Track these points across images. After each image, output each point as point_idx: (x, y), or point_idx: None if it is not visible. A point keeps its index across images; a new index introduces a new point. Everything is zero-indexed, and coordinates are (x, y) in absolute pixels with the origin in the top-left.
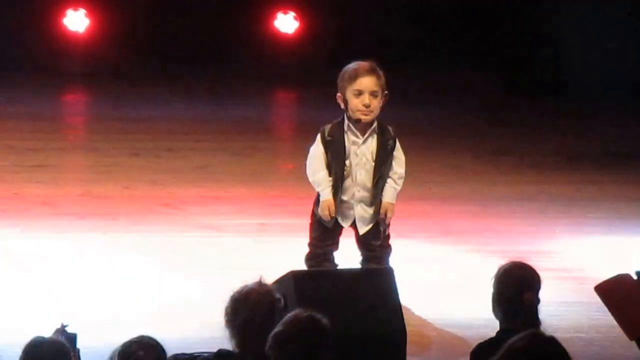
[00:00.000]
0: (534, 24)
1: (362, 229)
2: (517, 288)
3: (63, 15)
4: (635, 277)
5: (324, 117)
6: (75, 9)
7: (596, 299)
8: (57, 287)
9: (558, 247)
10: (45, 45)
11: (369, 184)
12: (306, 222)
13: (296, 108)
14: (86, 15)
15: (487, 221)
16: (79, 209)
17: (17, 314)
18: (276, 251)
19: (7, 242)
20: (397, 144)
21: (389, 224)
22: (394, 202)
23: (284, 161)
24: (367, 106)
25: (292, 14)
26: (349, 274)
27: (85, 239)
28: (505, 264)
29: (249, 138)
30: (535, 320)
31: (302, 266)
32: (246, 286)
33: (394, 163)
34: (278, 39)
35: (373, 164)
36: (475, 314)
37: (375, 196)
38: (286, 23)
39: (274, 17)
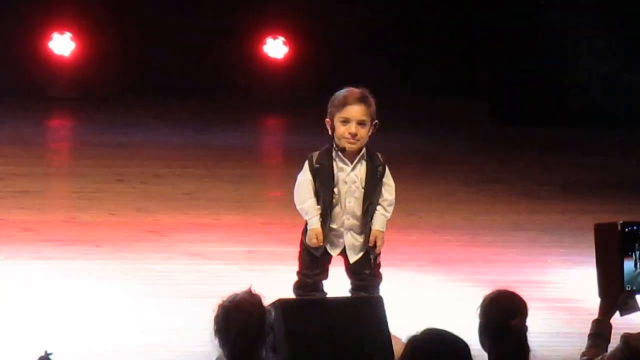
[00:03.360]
0: (525, 55)
1: (353, 258)
2: (504, 316)
3: (49, 38)
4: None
5: (313, 143)
6: (61, 33)
7: (588, 329)
8: (39, 314)
9: (550, 277)
10: (31, 69)
11: (358, 212)
12: (294, 250)
13: (284, 134)
14: (72, 39)
15: (478, 250)
16: (63, 235)
17: None
18: (264, 279)
19: None
20: (387, 171)
21: (379, 253)
22: (384, 230)
23: (272, 188)
24: (354, 135)
25: (281, 39)
26: (338, 303)
27: (69, 265)
28: (491, 293)
29: (237, 165)
30: (524, 349)
31: (290, 294)
32: (237, 295)
33: (383, 190)
34: (267, 64)
35: (362, 191)
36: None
37: (365, 224)
38: (275, 48)
39: (263, 43)
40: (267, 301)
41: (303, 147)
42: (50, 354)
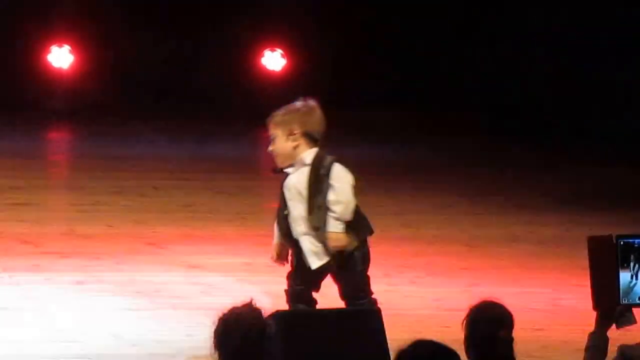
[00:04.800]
0: (521, 68)
1: (315, 263)
2: (490, 327)
3: (47, 51)
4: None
5: None
6: (60, 46)
7: (582, 342)
8: (38, 325)
9: (546, 289)
10: (29, 82)
11: (305, 216)
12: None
13: None
14: (70, 52)
15: (475, 261)
16: (62, 248)
17: None
18: (262, 291)
19: None
20: (333, 172)
21: (343, 252)
22: (334, 230)
23: (270, 200)
24: (271, 153)
25: (279, 52)
26: (335, 315)
27: (67, 278)
28: (476, 304)
29: (235, 177)
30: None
31: (284, 306)
32: (237, 308)
33: (329, 191)
34: (265, 76)
35: (306, 196)
36: (463, 354)
37: (317, 228)
38: (273, 61)
39: (261, 55)
40: (266, 313)
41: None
42: None
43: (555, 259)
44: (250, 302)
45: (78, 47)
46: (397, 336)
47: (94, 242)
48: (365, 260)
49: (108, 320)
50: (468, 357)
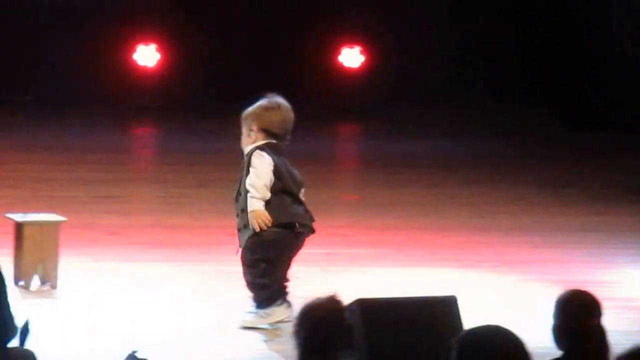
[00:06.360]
0: (593, 62)
1: (241, 243)
2: (582, 316)
3: (134, 50)
4: None
5: (386, 149)
6: (146, 44)
7: None
8: (126, 314)
9: (619, 277)
10: (117, 80)
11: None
12: (371, 251)
13: (359, 141)
14: (157, 50)
15: (549, 251)
16: (148, 239)
17: (86, 340)
18: (342, 280)
19: (77, 270)
20: (251, 159)
21: (254, 230)
22: (248, 209)
23: (348, 193)
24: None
25: (357, 49)
26: (415, 303)
27: (154, 268)
28: (566, 293)
29: (313, 170)
30: (606, 348)
31: (368, 295)
32: (318, 299)
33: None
34: (343, 73)
35: (239, 183)
36: (538, 342)
37: (243, 210)
38: (351, 57)
39: (339, 52)
40: (346, 302)
41: (377, 152)
42: (135, 351)
43: (628, 249)
44: (333, 294)
45: (164, 45)
46: (472, 324)
47: (179, 233)
48: (264, 246)
49: (194, 309)
50: (558, 344)
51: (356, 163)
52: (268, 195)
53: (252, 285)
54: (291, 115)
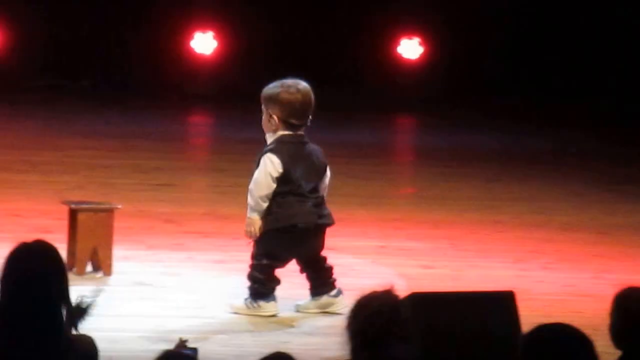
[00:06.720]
0: None
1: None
2: None
3: (191, 38)
4: None
5: (443, 142)
6: (204, 32)
7: None
8: (179, 302)
9: None
10: (173, 67)
11: None
12: (426, 245)
13: (416, 133)
14: (214, 38)
15: (606, 248)
16: (203, 228)
17: (137, 328)
18: (395, 273)
19: (132, 258)
20: (262, 161)
21: (248, 240)
22: (248, 214)
23: (404, 185)
24: None
25: (416, 40)
26: (471, 297)
27: (208, 257)
28: (623, 291)
29: (369, 162)
30: None
31: (423, 288)
32: (374, 292)
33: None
34: (401, 64)
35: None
36: (595, 342)
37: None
38: (410, 49)
39: (398, 43)
40: (401, 295)
41: (434, 145)
42: (185, 340)
43: None
44: (390, 287)
45: (221, 33)
46: (528, 320)
47: (234, 222)
48: (268, 244)
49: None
50: (618, 346)
51: (413, 156)
52: (264, 206)
53: (250, 276)
54: (312, 99)
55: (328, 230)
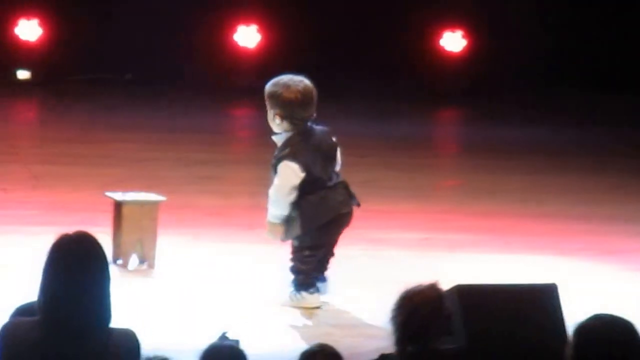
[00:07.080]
0: None
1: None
2: None
3: (234, 31)
4: None
5: (487, 135)
6: (247, 25)
7: None
8: (225, 294)
9: None
10: (217, 60)
11: None
12: (471, 237)
13: (461, 126)
14: (257, 31)
15: None
16: (248, 220)
17: (181, 320)
18: (440, 266)
19: (176, 250)
20: (279, 169)
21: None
22: (267, 218)
23: (449, 178)
24: None
25: (459, 33)
26: (515, 290)
27: (254, 249)
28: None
29: (414, 154)
30: None
31: (467, 280)
32: (419, 286)
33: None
34: (443, 57)
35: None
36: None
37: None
38: (453, 42)
39: (440, 36)
40: (445, 289)
41: (479, 138)
42: (226, 332)
43: None
44: (435, 282)
45: (265, 26)
46: (572, 313)
47: None
48: (308, 235)
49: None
50: None
51: (457, 148)
52: (285, 213)
53: (292, 268)
54: (313, 95)
55: (374, 222)
